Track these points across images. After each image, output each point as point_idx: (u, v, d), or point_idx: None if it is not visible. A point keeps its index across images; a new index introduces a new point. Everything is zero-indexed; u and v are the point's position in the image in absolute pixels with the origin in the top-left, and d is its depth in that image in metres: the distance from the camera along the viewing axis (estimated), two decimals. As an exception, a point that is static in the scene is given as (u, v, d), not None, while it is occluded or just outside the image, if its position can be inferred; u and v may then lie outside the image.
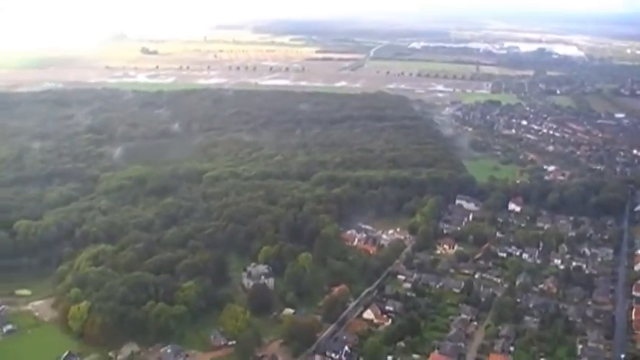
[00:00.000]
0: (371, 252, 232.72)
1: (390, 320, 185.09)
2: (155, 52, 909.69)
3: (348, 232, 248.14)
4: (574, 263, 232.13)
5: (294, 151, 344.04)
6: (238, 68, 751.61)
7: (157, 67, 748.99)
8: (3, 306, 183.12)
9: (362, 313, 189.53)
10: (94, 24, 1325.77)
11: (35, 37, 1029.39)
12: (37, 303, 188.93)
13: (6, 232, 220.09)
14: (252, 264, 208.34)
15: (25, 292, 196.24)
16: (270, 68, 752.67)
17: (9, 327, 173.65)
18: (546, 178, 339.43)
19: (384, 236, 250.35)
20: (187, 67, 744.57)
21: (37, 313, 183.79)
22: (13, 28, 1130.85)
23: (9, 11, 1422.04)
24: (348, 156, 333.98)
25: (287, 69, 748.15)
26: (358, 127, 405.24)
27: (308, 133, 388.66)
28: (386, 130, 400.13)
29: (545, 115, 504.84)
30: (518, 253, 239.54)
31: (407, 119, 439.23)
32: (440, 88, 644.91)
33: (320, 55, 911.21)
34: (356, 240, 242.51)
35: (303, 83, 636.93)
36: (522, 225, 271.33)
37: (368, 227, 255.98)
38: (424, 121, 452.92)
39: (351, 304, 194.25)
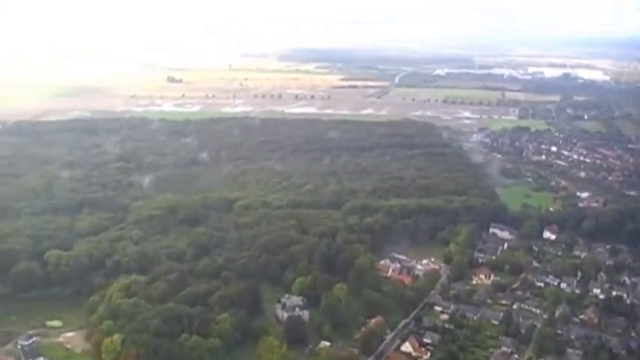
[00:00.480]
0: (406, 282, 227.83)
1: (428, 353, 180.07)
2: (181, 81, 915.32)
3: (382, 261, 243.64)
4: (614, 293, 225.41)
5: (324, 180, 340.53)
6: (264, 96, 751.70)
7: (183, 95, 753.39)
8: (34, 337, 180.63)
9: (400, 345, 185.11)
10: (119, 53, 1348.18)
11: (61, 65, 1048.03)
12: (69, 334, 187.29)
13: (37, 262, 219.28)
14: (286, 295, 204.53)
15: (57, 323, 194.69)
16: (296, 96, 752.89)
17: (41, 359, 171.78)
18: (580, 205, 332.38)
19: (419, 266, 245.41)
20: (213, 96, 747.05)
21: (69, 345, 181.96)
22: (39, 57, 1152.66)
23: (36, 42, 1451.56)
24: (379, 184, 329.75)
25: (312, 97, 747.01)
26: (387, 155, 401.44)
27: (337, 161, 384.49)
28: (415, 157, 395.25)
29: (574, 141, 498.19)
30: (556, 283, 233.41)
31: (436, 146, 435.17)
32: (466, 114, 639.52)
33: (345, 83, 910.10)
34: (390, 270, 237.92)
35: (329, 111, 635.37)
36: (558, 254, 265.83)
37: (401, 257, 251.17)
38: (453, 148, 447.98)
39: (388, 337, 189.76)
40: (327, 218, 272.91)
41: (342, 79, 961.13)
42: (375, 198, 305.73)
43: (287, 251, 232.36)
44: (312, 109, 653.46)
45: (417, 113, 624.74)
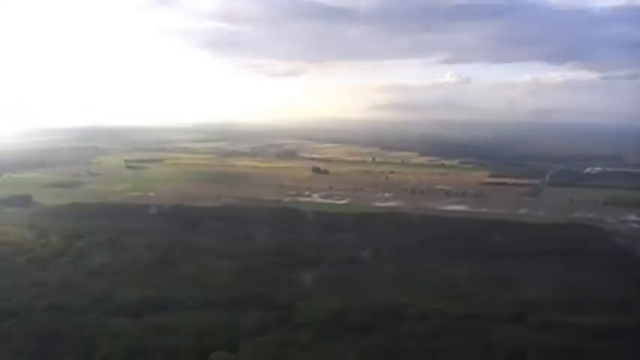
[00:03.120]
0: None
1: None
2: (327, 172, 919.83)
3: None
4: None
5: (496, 288, 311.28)
6: (413, 191, 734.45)
7: (331, 187, 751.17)
8: None
9: None
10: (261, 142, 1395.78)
11: (207, 152, 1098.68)
12: None
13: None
14: None
15: None
16: (447, 192, 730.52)
17: None
18: None
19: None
20: (362, 189, 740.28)
21: None
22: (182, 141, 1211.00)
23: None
24: (559, 296, 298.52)
25: (464, 194, 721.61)
26: (559, 262, 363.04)
27: (506, 267, 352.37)
28: (592, 266, 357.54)
29: None
30: None
31: (612, 254, 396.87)
32: (633, 217, 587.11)
33: (493, 180, 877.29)
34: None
35: (483, 209, 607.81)
36: None
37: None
38: (631, 256, 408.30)
39: None
40: (510, 333, 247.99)
41: (490, 176, 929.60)
42: (560, 313, 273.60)
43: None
44: (465, 207, 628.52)
45: (578, 215, 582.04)
